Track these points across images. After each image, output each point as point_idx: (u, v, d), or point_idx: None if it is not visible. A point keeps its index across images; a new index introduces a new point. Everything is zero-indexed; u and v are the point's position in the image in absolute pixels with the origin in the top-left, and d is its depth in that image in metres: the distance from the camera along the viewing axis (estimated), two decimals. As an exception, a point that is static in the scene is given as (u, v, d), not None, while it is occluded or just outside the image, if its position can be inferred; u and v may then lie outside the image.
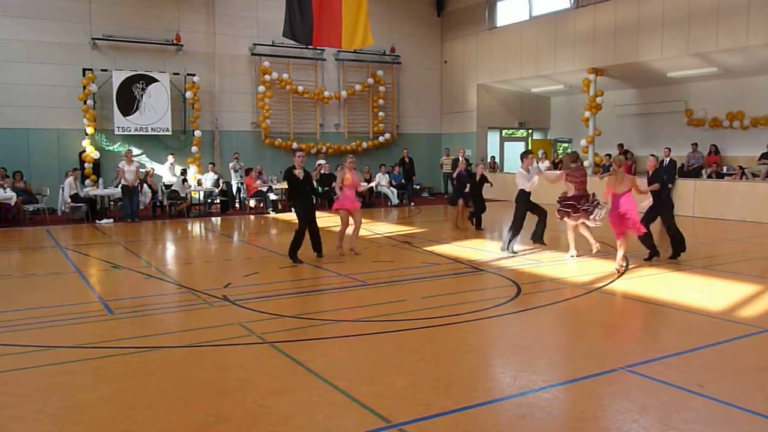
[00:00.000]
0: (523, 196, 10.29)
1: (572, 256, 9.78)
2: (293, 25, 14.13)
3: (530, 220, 10.56)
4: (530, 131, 24.21)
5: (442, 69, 23.86)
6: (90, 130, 17.71)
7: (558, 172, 10.15)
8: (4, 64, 16.96)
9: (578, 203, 9.51)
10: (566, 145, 23.60)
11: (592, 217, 9.41)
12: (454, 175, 14.48)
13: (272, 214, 17.29)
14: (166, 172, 17.77)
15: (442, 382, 4.71)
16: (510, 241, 10.31)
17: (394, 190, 20.06)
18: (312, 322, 6.42)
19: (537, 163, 20.52)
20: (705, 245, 11.60)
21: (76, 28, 17.74)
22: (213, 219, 16.69)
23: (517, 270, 8.99)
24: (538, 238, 10.80)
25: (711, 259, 10.09)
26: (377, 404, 4.24)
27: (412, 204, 19.93)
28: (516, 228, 10.30)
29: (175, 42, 18.87)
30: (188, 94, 18.81)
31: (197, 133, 19.01)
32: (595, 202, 9.47)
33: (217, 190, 17.76)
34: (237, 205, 18.79)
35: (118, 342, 5.83)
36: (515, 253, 10.18)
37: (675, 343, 5.89)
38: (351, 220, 10.25)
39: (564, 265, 9.32)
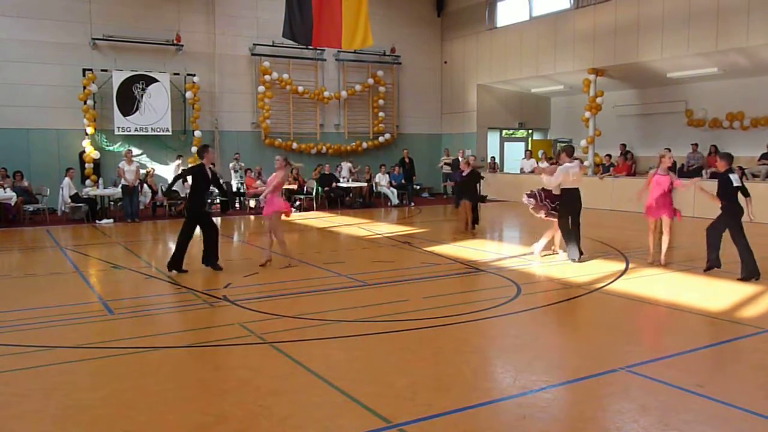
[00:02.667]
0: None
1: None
2: (293, 26, 14.13)
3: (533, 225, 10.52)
4: (530, 131, 24.22)
5: (442, 69, 23.86)
6: (90, 130, 17.71)
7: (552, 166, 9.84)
8: (4, 64, 16.95)
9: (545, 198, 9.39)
10: (566, 145, 23.59)
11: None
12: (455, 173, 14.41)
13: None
14: (171, 173, 17.72)
15: (442, 382, 4.71)
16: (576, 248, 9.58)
17: (394, 191, 20.06)
18: (312, 322, 6.42)
19: (537, 163, 20.60)
20: (705, 245, 11.56)
21: (76, 28, 17.74)
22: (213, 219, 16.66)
23: (517, 270, 8.99)
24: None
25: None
26: (377, 404, 4.24)
27: (412, 204, 19.93)
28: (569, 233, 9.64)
29: (175, 42, 18.87)
30: (188, 94, 18.81)
31: (197, 133, 18.99)
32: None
33: (217, 191, 17.71)
34: (237, 205, 18.79)
35: (118, 342, 5.84)
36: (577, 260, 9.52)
37: (675, 343, 5.89)
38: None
39: (564, 265, 9.31)
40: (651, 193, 9.10)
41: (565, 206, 9.38)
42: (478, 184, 13.76)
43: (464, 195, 13.16)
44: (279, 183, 9.26)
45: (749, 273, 8.02)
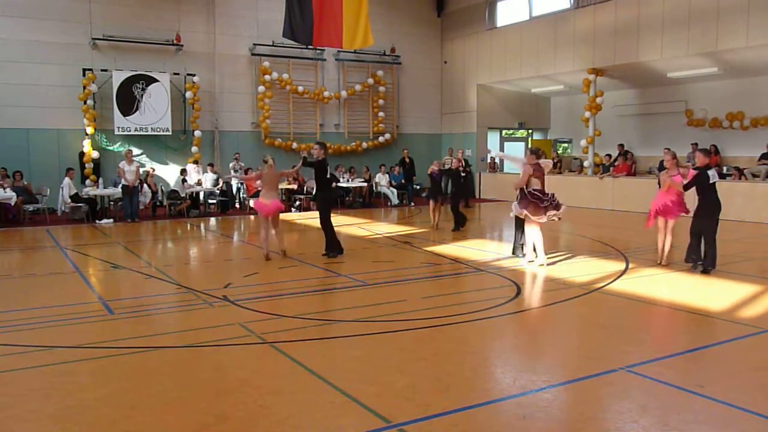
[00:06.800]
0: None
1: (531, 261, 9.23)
2: (293, 26, 14.11)
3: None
4: (530, 131, 24.21)
5: (442, 69, 23.85)
6: (90, 130, 17.70)
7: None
8: (4, 64, 16.95)
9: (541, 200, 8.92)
10: (566, 144, 23.61)
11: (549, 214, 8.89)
12: (428, 172, 13.90)
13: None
14: (193, 175, 17.78)
15: (442, 382, 4.71)
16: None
17: (394, 191, 20.07)
18: (312, 322, 6.42)
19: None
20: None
21: (76, 28, 17.73)
22: (213, 219, 16.69)
23: (517, 270, 8.99)
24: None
25: (711, 260, 10.08)
26: (377, 404, 4.25)
27: (412, 204, 19.93)
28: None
29: (175, 42, 18.86)
30: (188, 94, 18.81)
31: (197, 133, 19.00)
32: (555, 202, 8.96)
33: (217, 190, 17.78)
34: (237, 205, 18.81)
35: (118, 342, 5.83)
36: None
37: (675, 343, 5.89)
38: None
39: (564, 265, 9.30)
40: (666, 194, 8.94)
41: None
42: (450, 184, 13.67)
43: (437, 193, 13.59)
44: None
45: (711, 265, 8.51)
